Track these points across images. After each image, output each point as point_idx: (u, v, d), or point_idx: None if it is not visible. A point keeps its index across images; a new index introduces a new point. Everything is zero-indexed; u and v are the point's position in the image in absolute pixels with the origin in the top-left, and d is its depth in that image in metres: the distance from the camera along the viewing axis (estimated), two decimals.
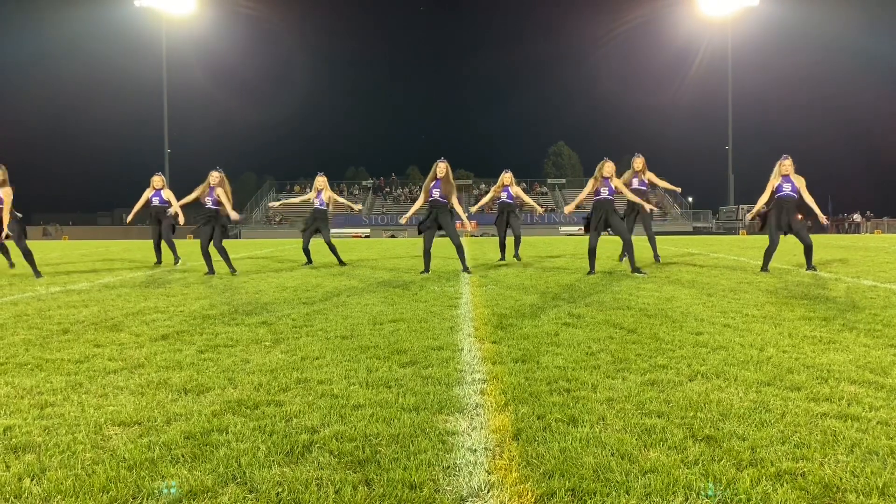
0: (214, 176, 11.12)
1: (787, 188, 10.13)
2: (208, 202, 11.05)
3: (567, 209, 11.09)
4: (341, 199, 13.82)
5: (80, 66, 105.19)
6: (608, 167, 10.29)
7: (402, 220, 12.19)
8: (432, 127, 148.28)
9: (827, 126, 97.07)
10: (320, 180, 12.89)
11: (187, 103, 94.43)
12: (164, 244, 13.87)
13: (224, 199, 11.03)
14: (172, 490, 2.19)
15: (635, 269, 10.11)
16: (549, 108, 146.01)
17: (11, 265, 12.56)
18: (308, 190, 11.66)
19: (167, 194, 13.60)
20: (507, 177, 13.41)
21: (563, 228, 54.85)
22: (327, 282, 9.54)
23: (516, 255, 13.71)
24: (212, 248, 11.11)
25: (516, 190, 13.54)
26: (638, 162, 12.36)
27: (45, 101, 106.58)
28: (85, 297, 7.82)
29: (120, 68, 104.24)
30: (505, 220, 13.51)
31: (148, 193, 13.65)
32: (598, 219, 10.21)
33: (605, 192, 10.28)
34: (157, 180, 13.72)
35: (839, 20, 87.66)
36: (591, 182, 10.44)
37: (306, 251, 13.09)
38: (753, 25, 69.87)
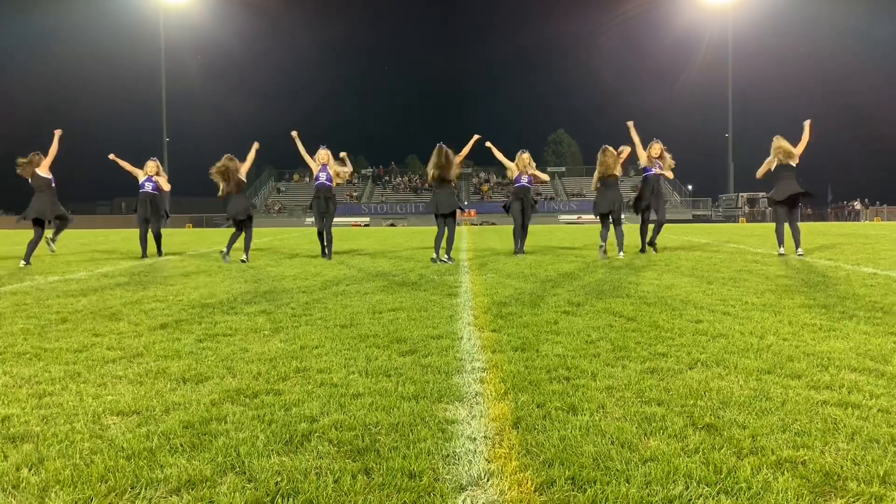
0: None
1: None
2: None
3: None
4: (345, 168, 12.19)
5: (77, 54, 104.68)
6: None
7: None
8: (431, 115, 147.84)
9: (827, 113, 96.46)
10: (323, 153, 11.74)
11: (185, 92, 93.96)
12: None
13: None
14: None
15: (619, 249, 11.17)
16: (548, 96, 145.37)
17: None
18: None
19: (162, 182, 12.50)
20: (525, 157, 12.09)
21: (563, 217, 54.88)
22: (326, 271, 9.52)
23: (521, 249, 12.23)
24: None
25: (535, 172, 12.30)
26: (656, 148, 11.94)
27: (41, 90, 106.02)
28: (83, 286, 7.80)
29: (118, 56, 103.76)
30: (521, 207, 12.07)
31: (140, 174, 12.50)
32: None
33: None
34: (152, 165, 12.54)
35: (839, 6, 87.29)
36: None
37: (321, 237, 12.00)
38: (754, 12, 69.63)
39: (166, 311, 5.75)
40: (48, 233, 12.18)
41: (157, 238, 12.82)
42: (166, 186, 12.66)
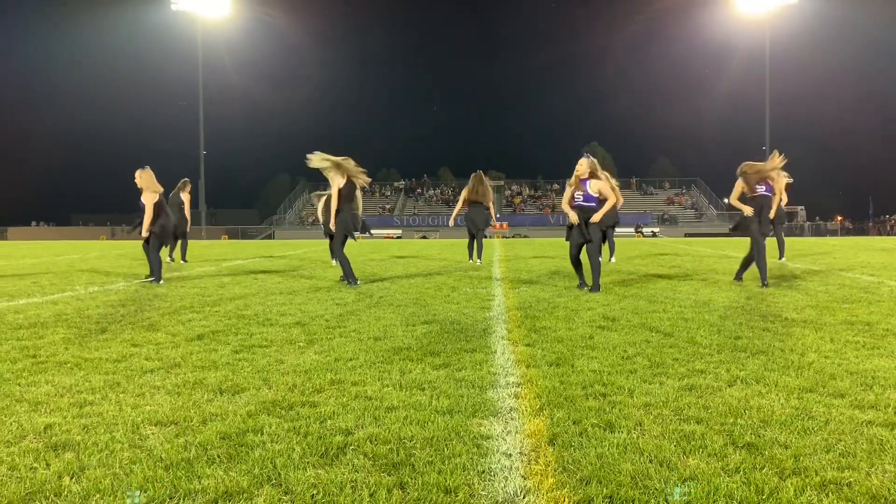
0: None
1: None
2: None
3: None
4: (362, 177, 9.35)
5: (117, 69, 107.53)
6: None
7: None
8: (464, 127, 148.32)
9: (868, 125, 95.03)
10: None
11: (222, 106, 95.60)
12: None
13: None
14: (136, 500, 2.20)
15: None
16: (582, 108, 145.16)
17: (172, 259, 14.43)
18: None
19: (146, 198, 9.51)
20: (583, 164, 8.24)
21: None
22: (359, 282, 9.55)
23: (597, 286, 8.13)
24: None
25: (599, 185, 8.29)
26: (777, 160, 8.78)
27: (82, 104, 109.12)
28: (122, 296, 7.95)
29: (156, 71, 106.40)
30: (581, 231, 8.23)
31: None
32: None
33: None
34: (138, 178, 9.63)
35: (880, 17, 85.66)
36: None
37: (344, 258, 9.38)
38: (792, 23, 68.59)
39: (203, 322, 5.83)
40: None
41: (152, 262, 9.81)
42: (148, 205, 9.47)
